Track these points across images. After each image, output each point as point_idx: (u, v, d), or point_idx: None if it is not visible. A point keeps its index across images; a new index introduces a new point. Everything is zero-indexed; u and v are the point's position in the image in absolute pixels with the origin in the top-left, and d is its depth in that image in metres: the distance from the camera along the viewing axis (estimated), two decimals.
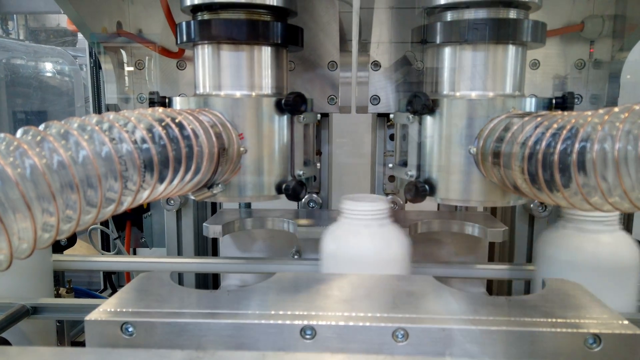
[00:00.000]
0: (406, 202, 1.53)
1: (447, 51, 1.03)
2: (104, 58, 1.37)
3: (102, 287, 2.44)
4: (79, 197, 0.65)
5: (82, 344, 1.93)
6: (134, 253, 1.84)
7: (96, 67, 2.24)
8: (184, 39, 1.05)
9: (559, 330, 0.74)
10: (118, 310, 0.82)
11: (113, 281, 2.30)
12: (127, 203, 0.75)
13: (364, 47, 1.29)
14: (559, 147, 0.70)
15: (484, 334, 0.75)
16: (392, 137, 1.39)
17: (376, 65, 1.28)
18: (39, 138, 0.64)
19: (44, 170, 0.61)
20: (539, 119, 0.79)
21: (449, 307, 0.84)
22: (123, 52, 1.40)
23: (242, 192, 1.04)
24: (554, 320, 0.77)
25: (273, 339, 0.76)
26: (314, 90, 1.31)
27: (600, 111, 0.66)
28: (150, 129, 0.76)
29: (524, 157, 0.78)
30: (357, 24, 1.19)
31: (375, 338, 0.75)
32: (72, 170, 0.63)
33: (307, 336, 0.76)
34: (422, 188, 1.01)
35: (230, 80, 1.04)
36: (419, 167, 1.05)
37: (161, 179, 0.78)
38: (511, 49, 1.00)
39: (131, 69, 1.41)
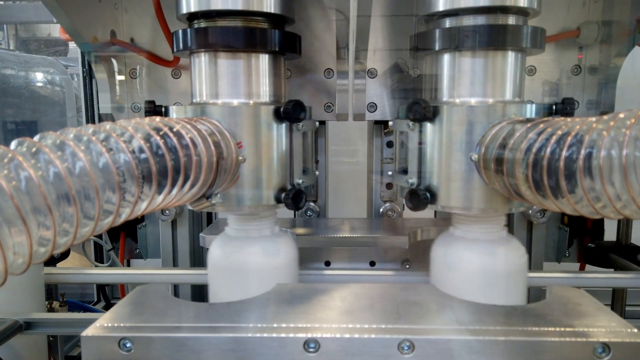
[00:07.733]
0: (404, 209, 1.52)
1: (446, 58, 1.02)
2: (97, 67, 1.35)
3: (95, 299, 2.40)
4: (76, 209, 0.63)
5: (76, 359, 1.90)
6: (128, 264, 1.82)
7: (89, 76, 2.21)
8: (180, 47, 1.03)
9: (566, 339, 0.73)
10: (115, 325, 0.80)
11: (107, 293, 2.27)
12: (125, 215, 0.73)
13: (359, 54, 1.28)
14: (564, 153, 0.69)
15: (491, 344, 0.73)
16: (389, 145, 1.38)
17: (372, 73, 1.27)
18: (34, 149, 0.62)
19: (39, 183, 0.59)
20: (541, 125, 0.78)
21: (453, 317, 0.83)
22: (114, 61, 1.38)
23: (241, 202, 1.02)
24: (561, 329, 0.75)
25: (276, 352, 0.74)
26: (310, 98, 1.30)
27: (605, 117, 0.65)
28: (148, 139, 0.74)
29: (528, 164, 0.77)
30: (354, 31, 1.18)
31: (381, 350, 0.74)
32: (68, 181, 0.62)
33: (311, 349, 0.74)
34: (424, 196, 1.00)
35: (228, 89, 1.02)
36: (419, 175, 1.04)
37: (160, 190, 0.76)
38: (510, 55, 0.99)
39: (122, 77, 1.39)
